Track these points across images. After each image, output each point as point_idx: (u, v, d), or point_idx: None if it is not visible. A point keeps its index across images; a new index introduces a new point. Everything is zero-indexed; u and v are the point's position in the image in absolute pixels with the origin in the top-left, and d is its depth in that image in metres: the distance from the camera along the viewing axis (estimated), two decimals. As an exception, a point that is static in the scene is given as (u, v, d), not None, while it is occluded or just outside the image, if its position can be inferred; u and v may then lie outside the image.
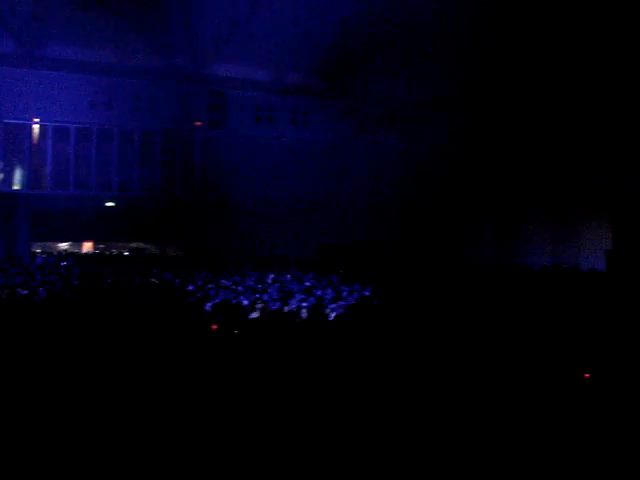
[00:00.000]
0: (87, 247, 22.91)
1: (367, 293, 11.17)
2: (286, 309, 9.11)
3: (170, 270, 14.78)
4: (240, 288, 10.96)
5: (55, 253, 22.07)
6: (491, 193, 21.01)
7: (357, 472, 4.44)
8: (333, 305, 9.28)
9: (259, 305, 8.99)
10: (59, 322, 8.53)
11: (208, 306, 9.20)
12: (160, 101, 22.56)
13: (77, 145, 21.56)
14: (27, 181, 20.80)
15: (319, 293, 10.57)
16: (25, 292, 10.25)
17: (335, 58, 21.09)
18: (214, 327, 7.99)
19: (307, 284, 12.28)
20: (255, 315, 8.61)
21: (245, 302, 9.22)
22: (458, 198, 21.67)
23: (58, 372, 6.04)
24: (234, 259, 19.21)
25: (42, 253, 21.76)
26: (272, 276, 13.42)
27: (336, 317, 8.77)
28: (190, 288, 11.21)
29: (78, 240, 22.61)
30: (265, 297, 9.84)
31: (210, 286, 11.00)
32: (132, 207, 22.63)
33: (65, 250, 22.73)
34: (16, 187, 20.60)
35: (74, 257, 21.35)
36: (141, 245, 24.03)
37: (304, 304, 9.12)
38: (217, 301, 9.31)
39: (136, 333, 7.50)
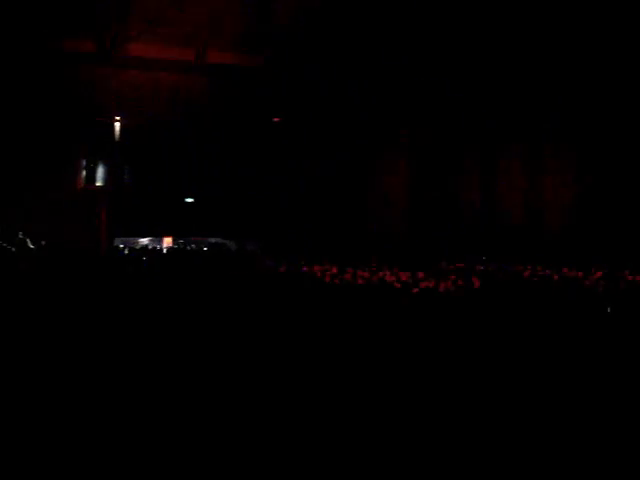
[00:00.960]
0: (167, 242, 23.31)
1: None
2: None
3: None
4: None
5: (137, 248, 22.55)
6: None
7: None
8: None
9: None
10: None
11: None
12: (239, 98, 22.67)
13: (158, 142, 22.00)
14: (110, 178, 21.43)
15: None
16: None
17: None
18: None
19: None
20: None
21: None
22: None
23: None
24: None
25: (124, 248, 22.30)
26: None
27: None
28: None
29: (158, 235, 23.04)
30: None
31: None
32: (211, 203, 22.93)
33: (146, 245, 23.22)
34: (99, 184, 21.27)
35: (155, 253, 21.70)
36: (220, 240, 24.24)
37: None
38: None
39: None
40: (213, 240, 23.64)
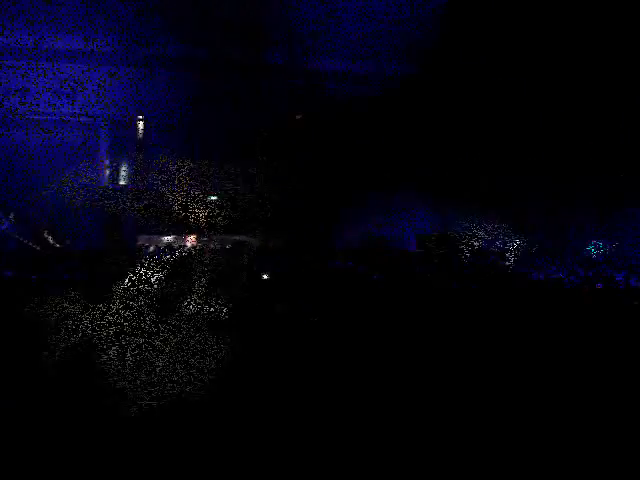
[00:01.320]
0: (191, 240, 23.35)
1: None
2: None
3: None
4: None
5: (161, 246, 22.64)
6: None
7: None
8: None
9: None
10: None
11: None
12: (261, 95, 22.59)
13: (180, 140, 22.05)
14: (132, 176, 21.55)
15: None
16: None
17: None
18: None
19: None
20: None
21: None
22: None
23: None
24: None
25: (148, 246, 22.41)
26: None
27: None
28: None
29: (181, 233, 23.08)
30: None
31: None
32: (234, 201, 22.92)
33: (170, 243, 23.28)
34: (122, 182, 21.40)
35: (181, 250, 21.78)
36: (243, 238, 24.22)
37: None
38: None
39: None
40: (237, 237, 23.62)
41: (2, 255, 16.40)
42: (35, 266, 14.98)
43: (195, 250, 20.83)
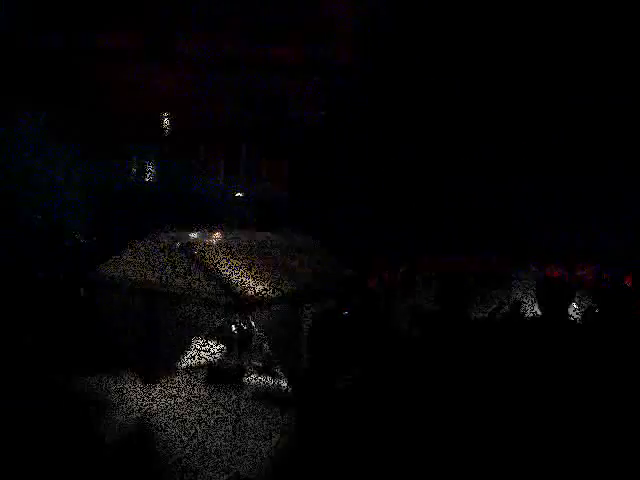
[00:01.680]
0: (216, 237, 23.43)
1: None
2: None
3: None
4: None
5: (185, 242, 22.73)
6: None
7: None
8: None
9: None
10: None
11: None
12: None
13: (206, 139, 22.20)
14: (159, 175, 21.73)
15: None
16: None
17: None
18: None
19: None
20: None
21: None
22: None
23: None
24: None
25: (175, 242, 22.47)
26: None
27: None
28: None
29: (207, 229, 23.20)
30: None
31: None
32: (260, 198, 22.95)
33: (196, 239, 23.39)
34: (149, 180, 21.60)
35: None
36: (269, 235, 24.22)
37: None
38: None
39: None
40: (261, 234, 23.64)
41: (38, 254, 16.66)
42: (66, 263, 15.20)
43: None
